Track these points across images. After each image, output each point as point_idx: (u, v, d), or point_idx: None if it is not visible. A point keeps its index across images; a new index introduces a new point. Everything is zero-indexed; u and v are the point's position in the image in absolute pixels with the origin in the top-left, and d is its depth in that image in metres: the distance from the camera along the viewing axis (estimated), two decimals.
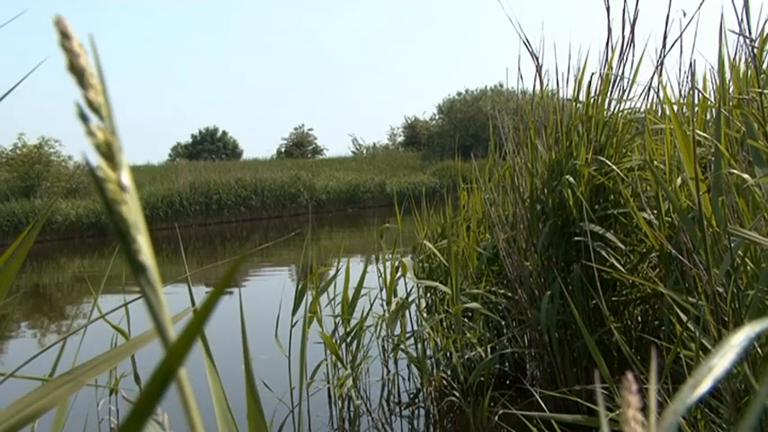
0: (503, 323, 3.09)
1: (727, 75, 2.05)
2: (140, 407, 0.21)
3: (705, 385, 0.31)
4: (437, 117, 32.31)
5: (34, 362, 0.82)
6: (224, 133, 39.24)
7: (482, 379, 2.82)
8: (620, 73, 2.58)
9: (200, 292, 5.83)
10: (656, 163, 2.19)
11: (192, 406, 0.25)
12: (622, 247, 2.42)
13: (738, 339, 0.34)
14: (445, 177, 21.51)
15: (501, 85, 28.66)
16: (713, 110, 2.34)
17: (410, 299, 3.26)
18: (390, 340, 3.22)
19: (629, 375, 0.26)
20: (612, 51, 2.57)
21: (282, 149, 36.91)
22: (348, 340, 2.97)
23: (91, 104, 0.26)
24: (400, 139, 34.74)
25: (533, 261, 2.74)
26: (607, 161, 2.45)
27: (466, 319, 3.19)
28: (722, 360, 0.32)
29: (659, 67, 2.36)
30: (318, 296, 2.89)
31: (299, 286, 2.70)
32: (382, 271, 3.31)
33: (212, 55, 75.17)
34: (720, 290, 1.56)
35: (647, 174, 2.39)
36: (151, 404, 0.21)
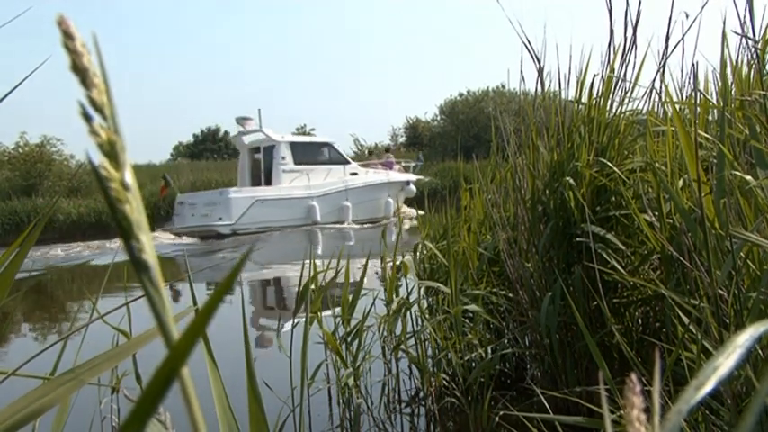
0: (503, 324, 3.09)
1: (729, 77, 2.05)
2: (142, 406, 0.21)
3: (709, 385, 0.31)
4: (439, 118, 32.34)
5: (35, 361, 0.83)
6: (226, 133, 39.27)
7: (482, 380, 2.82)
8: (622, 75, 2.57)
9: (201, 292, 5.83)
10: (657, 165, 2.18)
11: (195, 405, 0.25)
12: (624, 248, 2.41)
13: (743, 340, 0.34)
14: (446, 178, 21.50)
15: (503, 87, 28.66)
16: (715, 111, 2.33)
17: (411, 299, 3.26)
18: (391, 340, 3.22)
19: (633, 376, 0.26)
20: (615, 53, 2.56)
21: None
22: (348, 340, 2.96)
23: (94, 104, 0.26)
24: (402, 139, 34.74)
25: (534, 262, 2.74)
26: (609, 163, 2.45)
27: (467, 320, 3.19)
28: (727, 360, 0.32)
29: (661, 69, 2.35)
30: (320, 297, 2.89)
31: (301, 286, 2.69)
32: (383, 271, 3.31)
33: (213, 54, 75.24)
34: (722, 292, 1.56)
35: (648, 175, 2.39)
36: (154, 403, 0.21)
